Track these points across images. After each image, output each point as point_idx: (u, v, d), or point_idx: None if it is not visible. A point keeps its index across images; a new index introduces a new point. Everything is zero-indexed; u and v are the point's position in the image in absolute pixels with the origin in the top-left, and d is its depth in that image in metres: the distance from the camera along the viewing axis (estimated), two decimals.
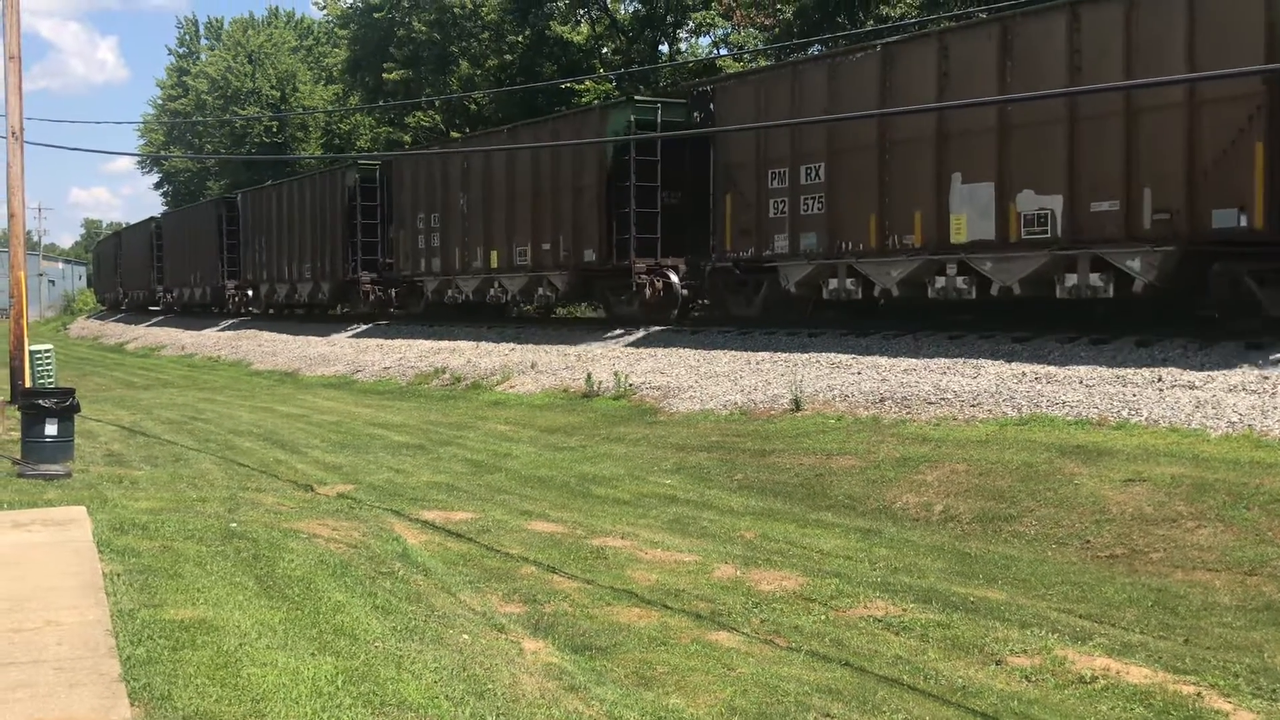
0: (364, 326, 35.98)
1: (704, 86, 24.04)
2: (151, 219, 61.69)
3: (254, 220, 44.61)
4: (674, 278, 24.30)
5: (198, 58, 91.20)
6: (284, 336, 38.44)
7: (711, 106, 22.85)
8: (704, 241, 23.47)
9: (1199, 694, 6.95)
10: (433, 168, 31.88)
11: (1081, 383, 14.72)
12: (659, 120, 24.57)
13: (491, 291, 29.55)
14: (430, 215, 31.81)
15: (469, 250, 30.12)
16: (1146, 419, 12.97)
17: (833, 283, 20.53)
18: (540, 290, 27.67)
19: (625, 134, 24.03)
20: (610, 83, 42.18)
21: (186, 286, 52.74)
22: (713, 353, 21.15)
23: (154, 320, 57.21)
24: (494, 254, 29.03)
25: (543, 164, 27.02)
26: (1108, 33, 16.03)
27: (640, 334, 24.57)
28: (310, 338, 36.49)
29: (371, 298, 35.59)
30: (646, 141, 23.79)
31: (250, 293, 45.23)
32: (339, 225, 36.69)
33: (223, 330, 44.92)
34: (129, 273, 64.22)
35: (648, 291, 24.32)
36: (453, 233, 30.76)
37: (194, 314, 52.53)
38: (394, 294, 35.08)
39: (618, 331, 25.48)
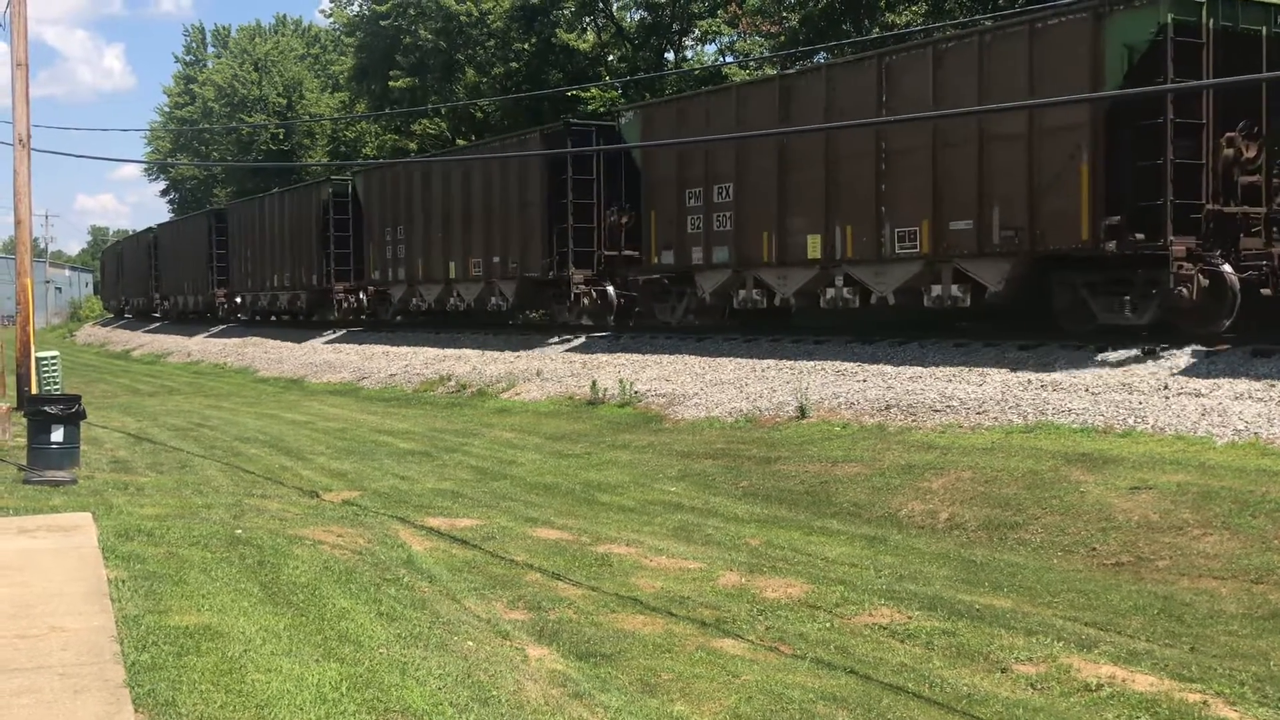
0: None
1: None
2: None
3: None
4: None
5: (205, 65, 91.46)
6: (289, 344, 38.53)
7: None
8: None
9: (1205, 702, 6.93)
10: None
11: (1087, 390, 14.70)
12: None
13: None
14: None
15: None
16: (1152, 426, 12.95)
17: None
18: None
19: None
20: (616, 90, 42.25)
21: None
22: (718, 360, 21.16)
23: (152, 327, 57.39)
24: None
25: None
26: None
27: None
28: (315, 343, 36.61)
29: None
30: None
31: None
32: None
33: (229, 337, 45.07)
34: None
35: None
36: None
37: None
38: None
39: (623, 338, 25.53)
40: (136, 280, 64.20)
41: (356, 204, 37.36)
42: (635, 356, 23.22)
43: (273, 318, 46.41)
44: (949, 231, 18.09)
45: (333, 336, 38.10)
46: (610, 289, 26.58)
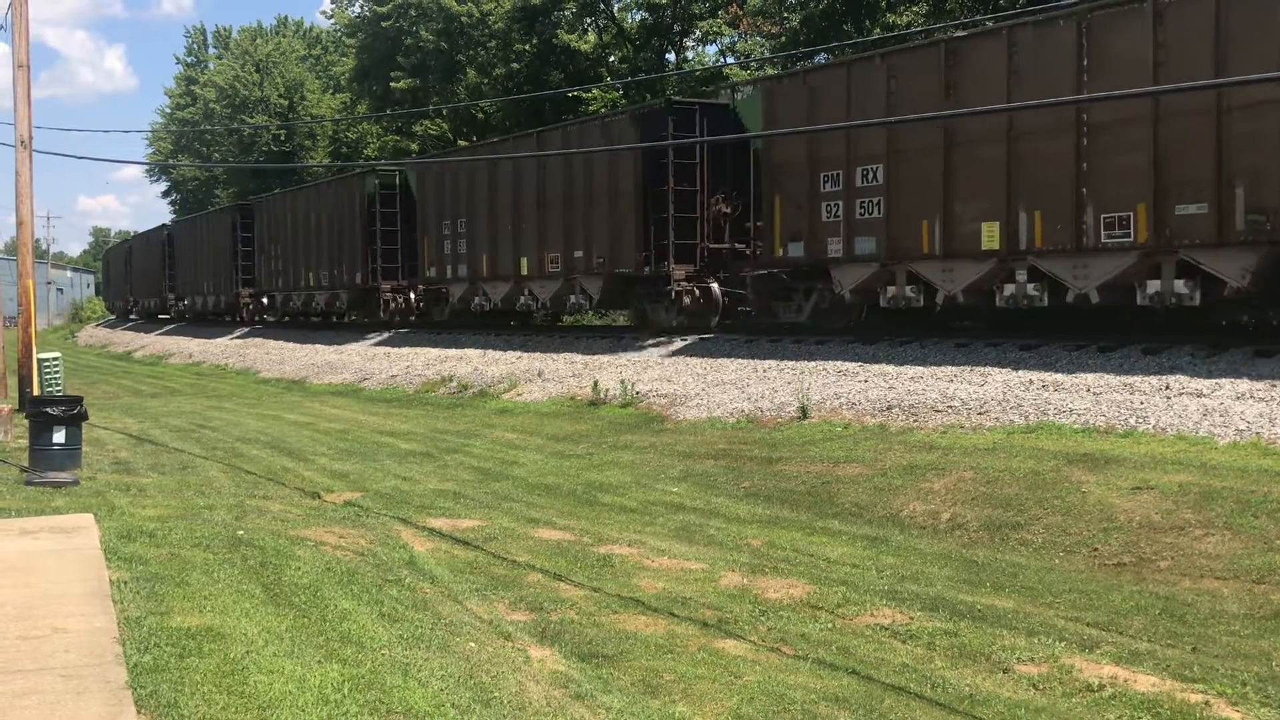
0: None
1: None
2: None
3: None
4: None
5: (206, 66, 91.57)
6: (290, 345, 38.52)
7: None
8: None
9: (1207, 702, 6.93)
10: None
11: (1089, 390, 14.70)
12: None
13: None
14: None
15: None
16: (1154, 427, 12.95)
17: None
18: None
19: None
20: (617, 91, 42.26)
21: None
22: (719, 361, 21.16)
23: (163, 329, 57.39)
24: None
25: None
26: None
27: (649, 342, 24.62)
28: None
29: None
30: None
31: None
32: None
33: (231, 339, 45.06)
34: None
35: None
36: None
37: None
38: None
39: (625, 339, 25.52)
40: (148, 280, 62.03)
41: (406, 196, 34.85)
42: (649, 358, 23.19)
43: (303, 318, 43.97)
44: (1174, 217, 15.28)
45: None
46: (715, 286, 23.86)
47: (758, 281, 22.46)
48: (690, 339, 23.88)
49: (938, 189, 18.20)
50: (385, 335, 35.49)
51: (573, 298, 27.02)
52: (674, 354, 23.03)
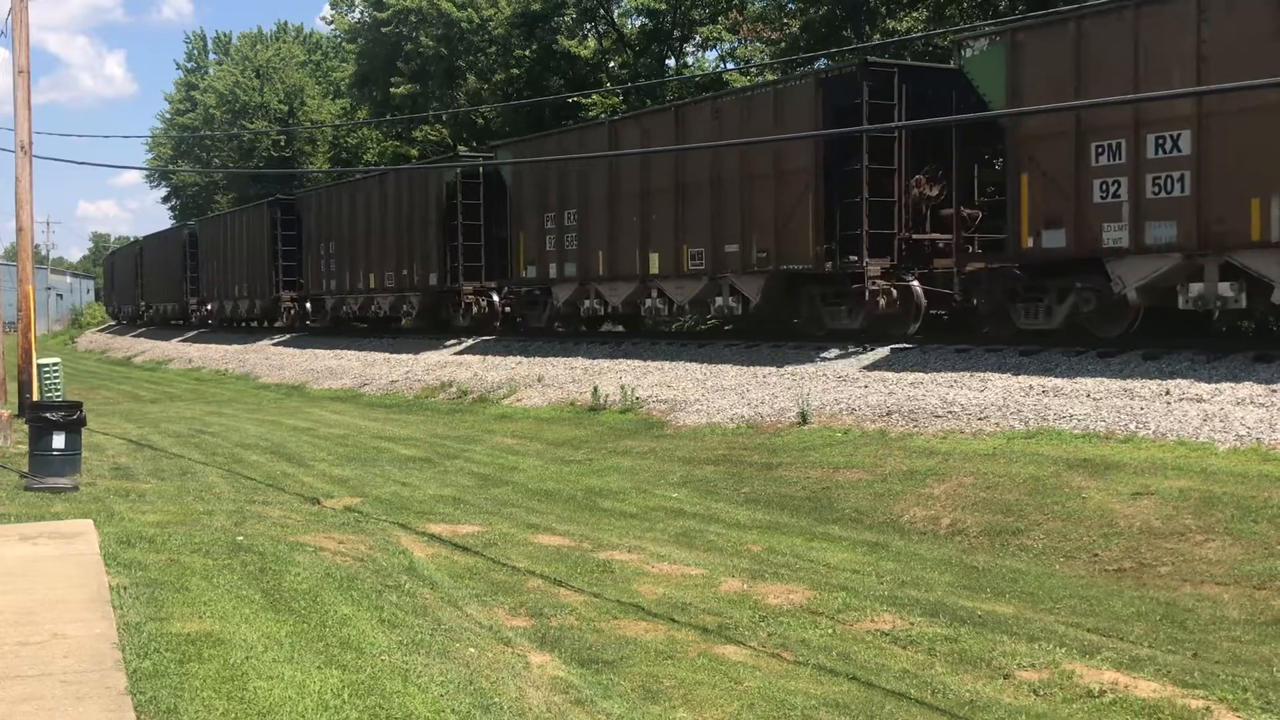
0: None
1: None
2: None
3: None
4: None
5: (206, 72, 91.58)
6: (291, 350, 38.48)
7: None
8: None
9: (1208, 708, 6.92)
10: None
11: (1089, 396, 14.70)
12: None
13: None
14: None
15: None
16: (1154, 432, 12.94)
17: None
18: None
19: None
20: (617, 97, 42.28)
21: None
22: (719, 366, 21.16)
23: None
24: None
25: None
26: None
27: (648, 345, 24.61)
28: (318, 351, 36.49)
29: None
30: None
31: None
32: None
33: (234, 344, 45.01)
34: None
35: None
36: None
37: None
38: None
39: (625, 345, 25.52)
40: (164, 283, 58.69)
41: (492, 185, 30.62)
42: (649, 364, 23.20)
43: (359, 324, 40.27)
44: None
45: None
46: (916, 285, 20.06)
47: (987, 279, 18.60)
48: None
49: (1278, 158, 14.40)
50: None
51: (719, 300, 22.94)
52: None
